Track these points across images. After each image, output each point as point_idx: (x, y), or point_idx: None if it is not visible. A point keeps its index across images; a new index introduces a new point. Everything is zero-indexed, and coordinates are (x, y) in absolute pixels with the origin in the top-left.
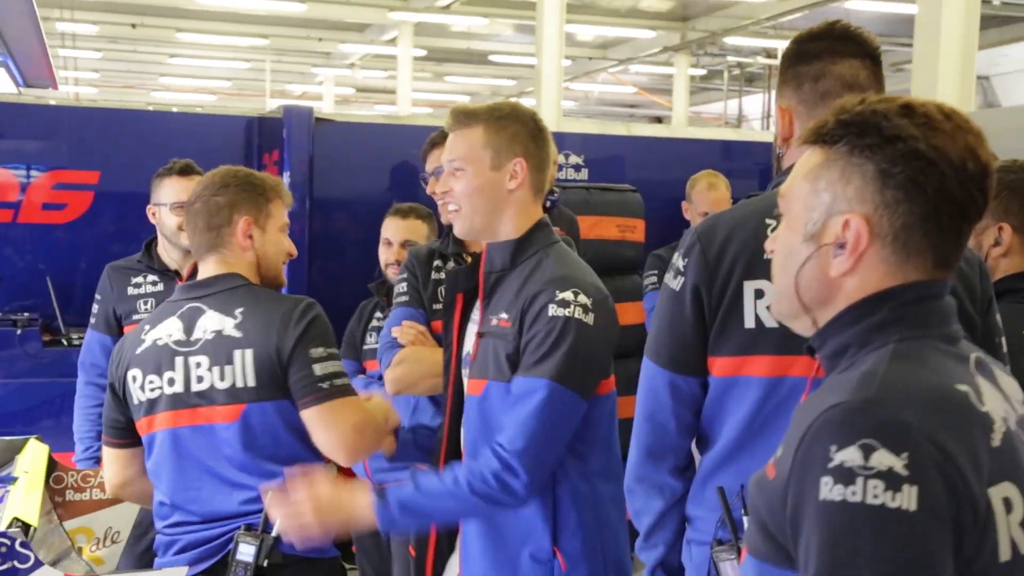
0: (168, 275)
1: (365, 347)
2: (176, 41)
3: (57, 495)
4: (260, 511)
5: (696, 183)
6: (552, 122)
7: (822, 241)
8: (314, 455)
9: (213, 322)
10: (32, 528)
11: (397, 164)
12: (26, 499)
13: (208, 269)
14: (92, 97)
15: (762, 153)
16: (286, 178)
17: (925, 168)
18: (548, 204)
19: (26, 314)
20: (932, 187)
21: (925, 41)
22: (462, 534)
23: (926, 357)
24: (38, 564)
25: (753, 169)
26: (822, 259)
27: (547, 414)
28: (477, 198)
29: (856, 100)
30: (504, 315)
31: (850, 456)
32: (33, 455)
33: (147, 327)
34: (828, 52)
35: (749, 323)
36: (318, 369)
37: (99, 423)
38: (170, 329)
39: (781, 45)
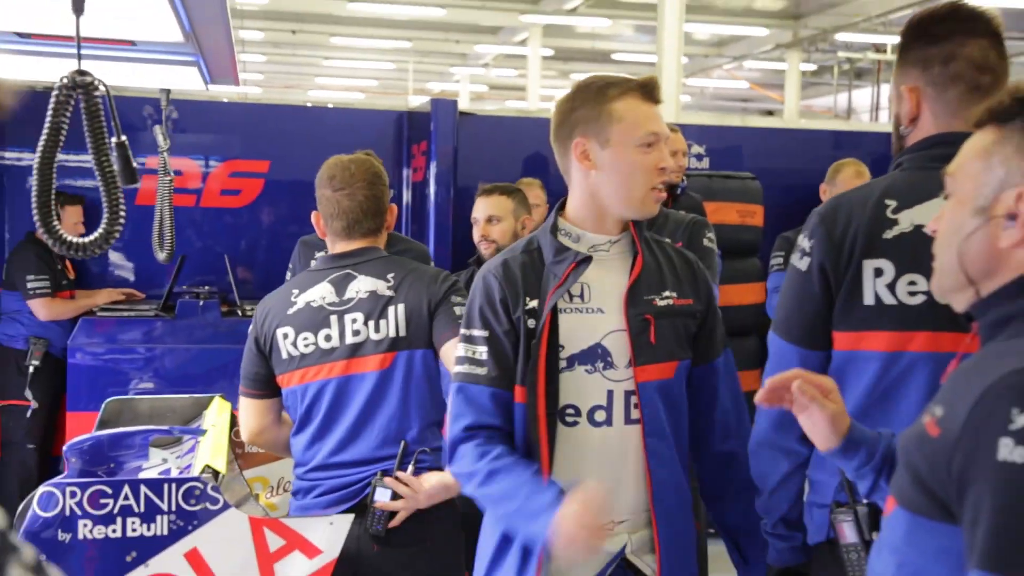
0: None
1: None
2: (330, 45)
3: (237, 447)
4: (395, 456)
5: (841, 169)
6: (672, 115)
7: (992, 213)
8: (440, 408)
9: (366, 284)
10: (221, 475)
11: (531, 154)
12: (215, 449)
13: (355, 244)
14: (257, 96)
15: (871, 143)
16: (433, 167)
17: None
18: (679, 191)
19: (207, 287)
20: None
21: None
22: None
23: None
24: (226, 506)
25: (864, 158)
26: (991, 231)
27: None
28: None
29: None
30: (673, 293)
31: None
32: (218, 411)
33: (295, 291)
34: (957, 32)
35: (868, 300)
36: (459, 311)
37: None
38: (322, 292)
39: (891, 40)
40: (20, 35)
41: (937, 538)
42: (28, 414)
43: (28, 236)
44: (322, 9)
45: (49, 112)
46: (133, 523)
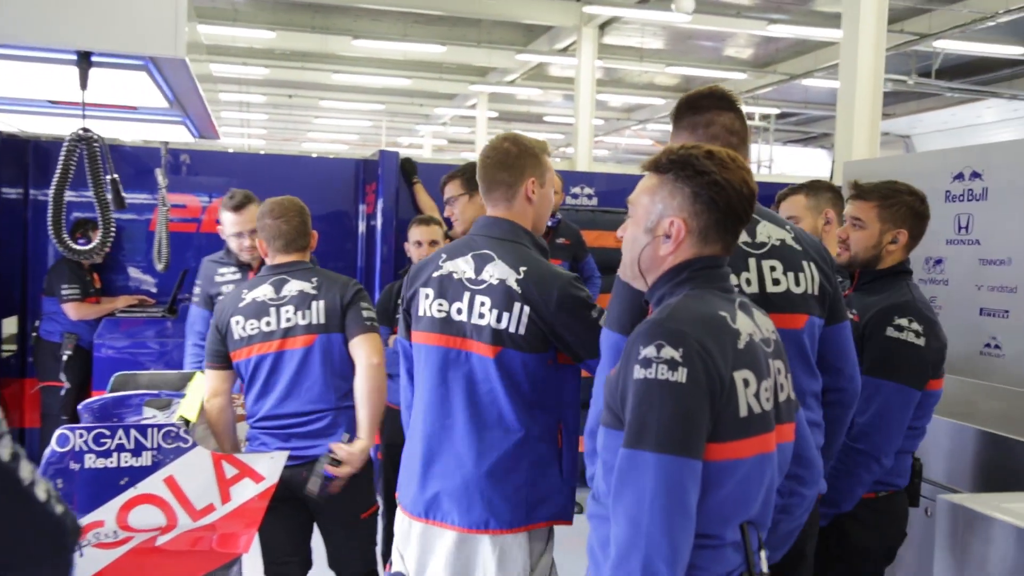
0: (244, 268)
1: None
2: (320, 107)
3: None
4: (317, 411)
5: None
6: (584, 165)
7: (656, 233)
8: (349, 380)
9: (296, 286)
10: (192, 423)
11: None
12: (189, 405)
13: (291, 257)
14: (259, 147)
15: None
16: (380, 203)
17: (719, 192)
18: (551, 224)
19: None
20: (723, 203)
21: (844, 108)
22: None
23: (704, 299)
24: (194, 445)
25: None
26: (655, 244)
27: None
28: None
29: (679, 145)
30: None
31: (650, 351)
32: (196, 382)
33: (245, 290)
34: (714, 107)
35: None
36: (366, 314)
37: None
38: (264, 291)
39: (758, 110)
40: (51, 102)
41: (617, 440)
42: (62, 393)
43: (63, 256)
44: (313, 79)
45: (61, 156)
46: (125, 457)
